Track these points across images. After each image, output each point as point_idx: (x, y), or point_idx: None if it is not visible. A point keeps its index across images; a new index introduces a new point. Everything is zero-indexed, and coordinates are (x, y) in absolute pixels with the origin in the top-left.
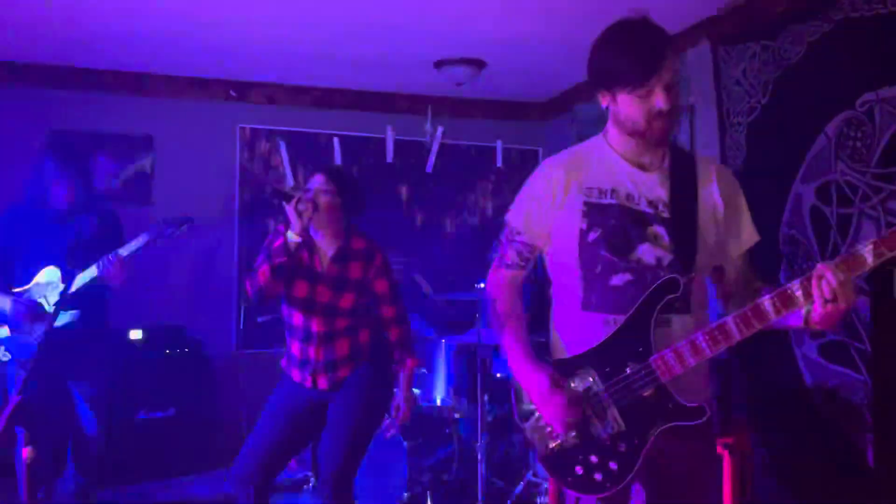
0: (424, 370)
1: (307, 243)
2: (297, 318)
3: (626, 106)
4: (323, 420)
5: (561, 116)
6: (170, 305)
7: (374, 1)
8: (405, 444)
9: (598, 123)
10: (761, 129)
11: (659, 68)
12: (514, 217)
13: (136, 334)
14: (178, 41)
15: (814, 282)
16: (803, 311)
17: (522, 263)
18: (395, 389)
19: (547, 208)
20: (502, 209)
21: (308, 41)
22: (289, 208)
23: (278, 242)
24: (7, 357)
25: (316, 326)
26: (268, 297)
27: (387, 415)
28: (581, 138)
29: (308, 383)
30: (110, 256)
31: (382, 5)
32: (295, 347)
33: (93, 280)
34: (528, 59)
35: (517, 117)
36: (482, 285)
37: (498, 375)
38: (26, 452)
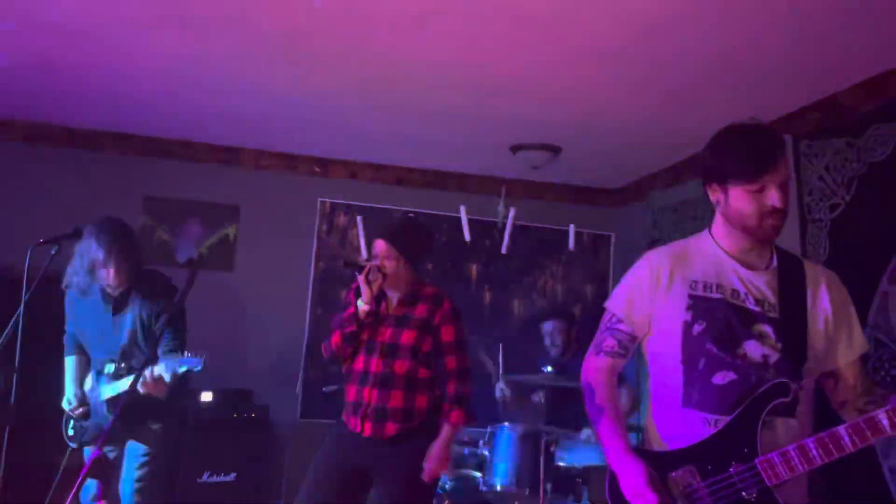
0: (486, 451)
1: (378, 294)
2: (359, 361)
3: (737, 201)
4: (363, 490)
5: (635, 203)
6: (240, 370)
7: (455, 88)
8: None
9: (673, 212)
10: (845, 225)
11: (774, 165)
12: (615, 304)
13: (206, 396)
14: (269, 119)
15: None
16: None
17: (621, 351)
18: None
19: (650, 297)
20: (572, 292)
21: (389, 124)
22: (360, 278)
23: (349, 311)
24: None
25: (375, 367)
26: (340, 359)
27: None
28: (656, 226)
29: (357, 429)
30: (147, 374)
31: (462, 93)
32: (352, 392)
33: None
34: (604, 147)
35: (590, 202)
36: (549, 369)
37: (561, 465)
38: None
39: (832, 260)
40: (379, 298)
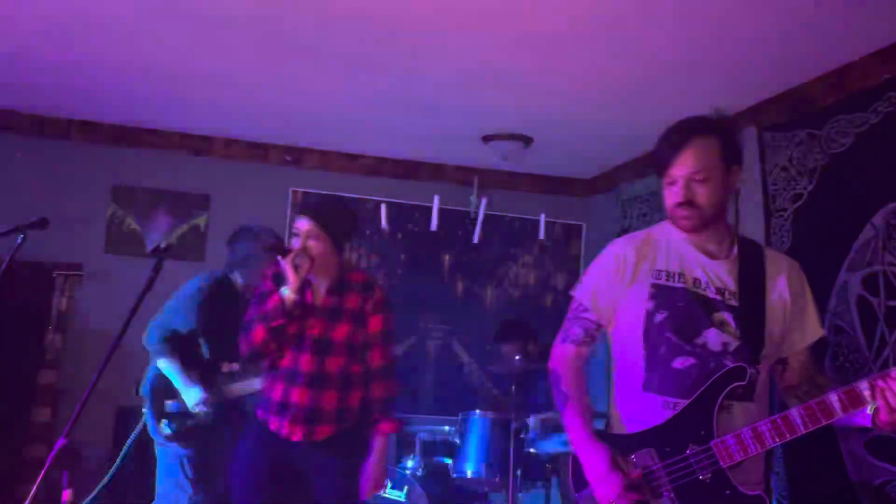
0: (456, 438)
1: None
2: (286, 358)
3: (664, 192)
4: (298, 493)
5: (605, 193)
6: None
7: (427, 78)
8: None
9: (641, 201)
10: (807, 215)
11: (675, 159)
12: (581, 293)
13: None
14: (240, 107)
15: (878, 386)
16: (868, 410)
17: (587, 340)
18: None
19: (615, 286)
20: (543, 282)
21: (362, 113)
22: (284, 263)
23: (273, 303)
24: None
25: (305, 365)
26: (263, 355)
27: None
28: (625, 216)
29: (283, 431)
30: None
31: (434, 82)
32: (277, 390)
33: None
34: (574, 138)
35: (562, 192)
36: (517, 358)
37: (532, 451)
38: (66, 494)
39: (794, 249)
40: (303, 287)
